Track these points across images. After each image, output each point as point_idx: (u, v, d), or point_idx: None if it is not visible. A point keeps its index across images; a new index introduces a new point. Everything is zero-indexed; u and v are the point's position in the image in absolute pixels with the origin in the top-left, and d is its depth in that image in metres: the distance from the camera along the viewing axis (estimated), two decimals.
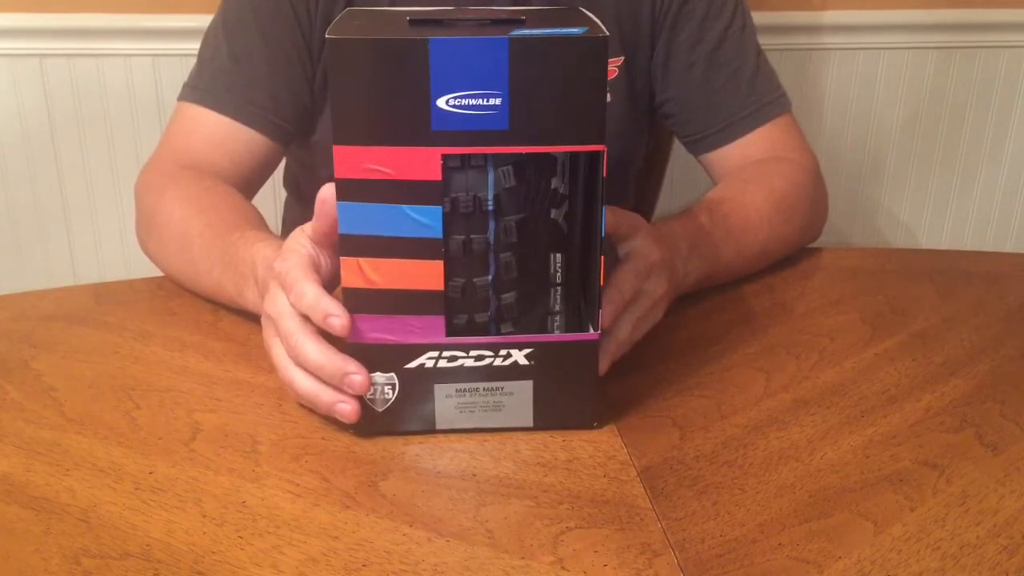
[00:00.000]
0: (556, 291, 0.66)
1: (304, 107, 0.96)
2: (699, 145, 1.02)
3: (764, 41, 1.03)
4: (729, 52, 0.99)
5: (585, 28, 0.60)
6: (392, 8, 0.68)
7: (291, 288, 0.63)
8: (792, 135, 1.01)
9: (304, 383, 0.64)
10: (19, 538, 0.55)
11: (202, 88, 0.94)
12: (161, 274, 0.88)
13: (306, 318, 0.63)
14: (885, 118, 1.68)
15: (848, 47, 1.62)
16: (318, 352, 0.63)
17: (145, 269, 0.92)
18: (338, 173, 0.60)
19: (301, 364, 0.64)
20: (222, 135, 0.92)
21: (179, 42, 1.47)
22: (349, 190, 0.60)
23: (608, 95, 0.96)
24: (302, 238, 0.66)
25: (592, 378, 0.66)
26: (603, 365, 0.67)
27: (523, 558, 0.54)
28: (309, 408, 0.66)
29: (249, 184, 0.95)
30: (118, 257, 1.61)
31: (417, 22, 0.63)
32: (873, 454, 0.64)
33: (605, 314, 0.65)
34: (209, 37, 0.97)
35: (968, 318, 0.84)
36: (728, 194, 0.92)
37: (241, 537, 0.55)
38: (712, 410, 0.69)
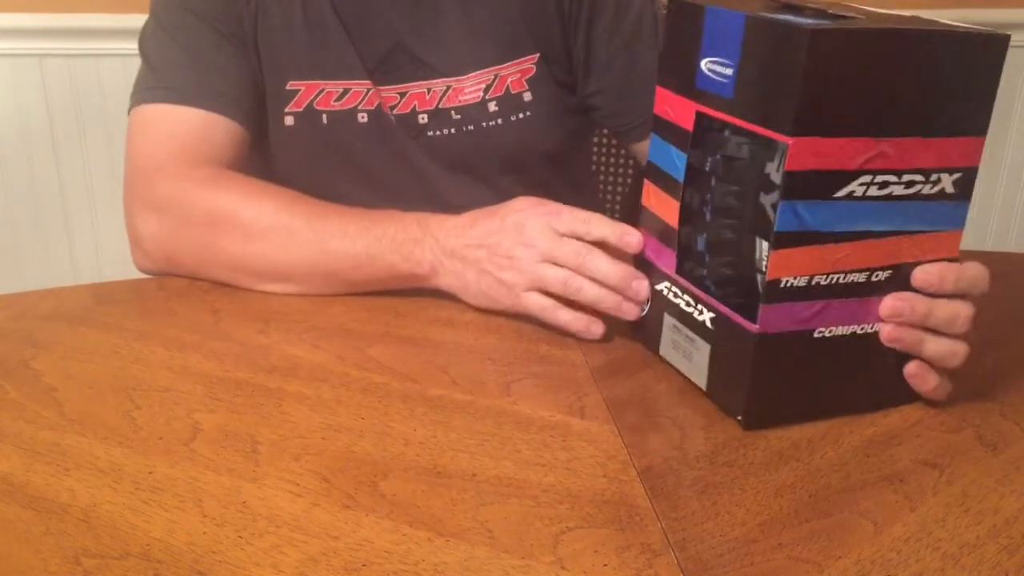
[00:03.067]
0: (761, 277, 0.65)
1: (258, 88, 0.96)
2: (628, 136, 1.04)
3: None
4: (647, 40, 1.01)
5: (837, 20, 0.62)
6: None
7: (587, 220, 0.77)
8: None
9: (592, 289, 0.76)
10: (19, 538, 0.55)
11: (164, 87, 0.91)
12: (162, 275, 0.88)
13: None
14: None
15: None
16: (607, 263, 0.75)
17: None
18: (657, 110, 0.72)
19: (589, 274, 0.75)
20: (204, 128, 0.91)
21: None
22: (656, 125, 0.73)
23: (530, 92, 0.98)
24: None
25: (744, 369, 0.65)
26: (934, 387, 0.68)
27: (523, 558, 0.54)
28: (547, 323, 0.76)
29: None
30: (118, 257, 1.60)
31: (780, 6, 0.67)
32: (873, 454, 0.64)
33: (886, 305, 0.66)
34: (149, 41, 0.94)
35: None
36: None
37: (241, 537, 0.55)
38: (712, 410, 0.69)
